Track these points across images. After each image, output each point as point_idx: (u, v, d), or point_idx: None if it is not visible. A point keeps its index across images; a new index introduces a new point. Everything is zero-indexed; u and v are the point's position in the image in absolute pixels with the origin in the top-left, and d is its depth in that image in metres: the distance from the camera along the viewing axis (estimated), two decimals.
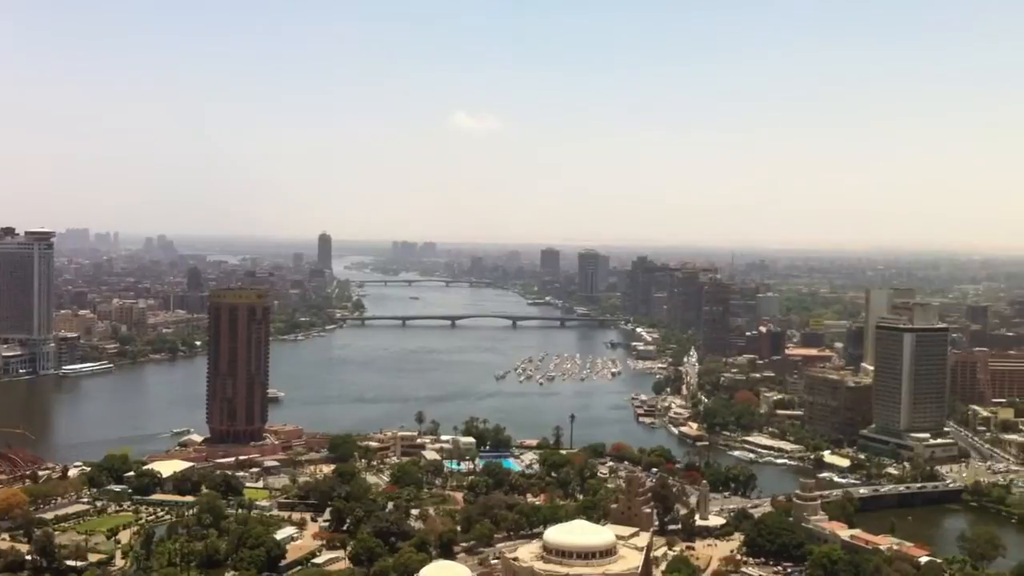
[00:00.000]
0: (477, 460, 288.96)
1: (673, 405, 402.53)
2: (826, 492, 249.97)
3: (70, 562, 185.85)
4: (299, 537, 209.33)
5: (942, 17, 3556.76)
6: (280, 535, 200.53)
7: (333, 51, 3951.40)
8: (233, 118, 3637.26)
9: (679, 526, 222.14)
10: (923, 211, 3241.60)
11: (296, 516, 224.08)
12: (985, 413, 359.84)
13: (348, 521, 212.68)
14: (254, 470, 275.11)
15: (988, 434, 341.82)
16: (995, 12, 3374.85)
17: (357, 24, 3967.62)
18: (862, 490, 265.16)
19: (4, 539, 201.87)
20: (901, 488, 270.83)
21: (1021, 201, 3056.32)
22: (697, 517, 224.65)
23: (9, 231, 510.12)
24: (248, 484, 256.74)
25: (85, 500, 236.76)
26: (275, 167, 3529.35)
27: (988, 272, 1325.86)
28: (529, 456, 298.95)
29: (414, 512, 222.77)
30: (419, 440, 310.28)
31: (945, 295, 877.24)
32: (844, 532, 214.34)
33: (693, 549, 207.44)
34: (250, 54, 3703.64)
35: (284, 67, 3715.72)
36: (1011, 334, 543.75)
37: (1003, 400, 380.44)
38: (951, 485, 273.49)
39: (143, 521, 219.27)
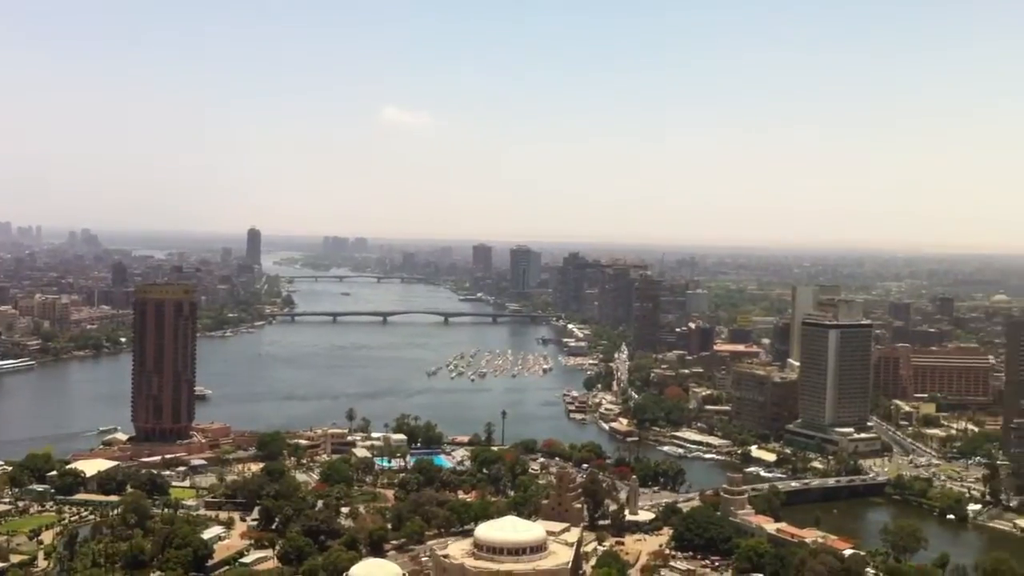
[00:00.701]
0: (408, 457, 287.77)
1: (604, 401, 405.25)
2: (753, 486, 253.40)
3: None
4: (227, 536, 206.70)
5: (874, 18, 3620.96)
6: (207, 535, 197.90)
7: (262, 44, 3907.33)
8: (159, 111, 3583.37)
9: (609, 521, 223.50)
10: (848, 210, 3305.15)
11: (224, 515, 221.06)
12: (907, 408, 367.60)
13: (277, 520, 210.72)
14: (180, 469, 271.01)
15: (910, 428, 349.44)
16: (910, 14, 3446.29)
17: (286, 16, 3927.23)
18: (789, 484, 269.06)
19: None
20: (826, 482, 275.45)
21: (943, 200, 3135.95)
22: (627, 512, 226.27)
23: None
24: (174, 483, 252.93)
25: (7, 500, 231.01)
26: (202, 160, 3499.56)
27: (911, 270, 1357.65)
28: (460, 453, 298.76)
29: (344, 510, 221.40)
30: (349, 437, 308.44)
31: (869, 292, 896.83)
32: (770, 526, 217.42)
33: (623, 544, 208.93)
34: (176, 47, 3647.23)
35: (211, 60, 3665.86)
36: (933, 330, 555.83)
37: (925, 395, 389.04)
38: (876, 479, 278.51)
39: (66, 521, 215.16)
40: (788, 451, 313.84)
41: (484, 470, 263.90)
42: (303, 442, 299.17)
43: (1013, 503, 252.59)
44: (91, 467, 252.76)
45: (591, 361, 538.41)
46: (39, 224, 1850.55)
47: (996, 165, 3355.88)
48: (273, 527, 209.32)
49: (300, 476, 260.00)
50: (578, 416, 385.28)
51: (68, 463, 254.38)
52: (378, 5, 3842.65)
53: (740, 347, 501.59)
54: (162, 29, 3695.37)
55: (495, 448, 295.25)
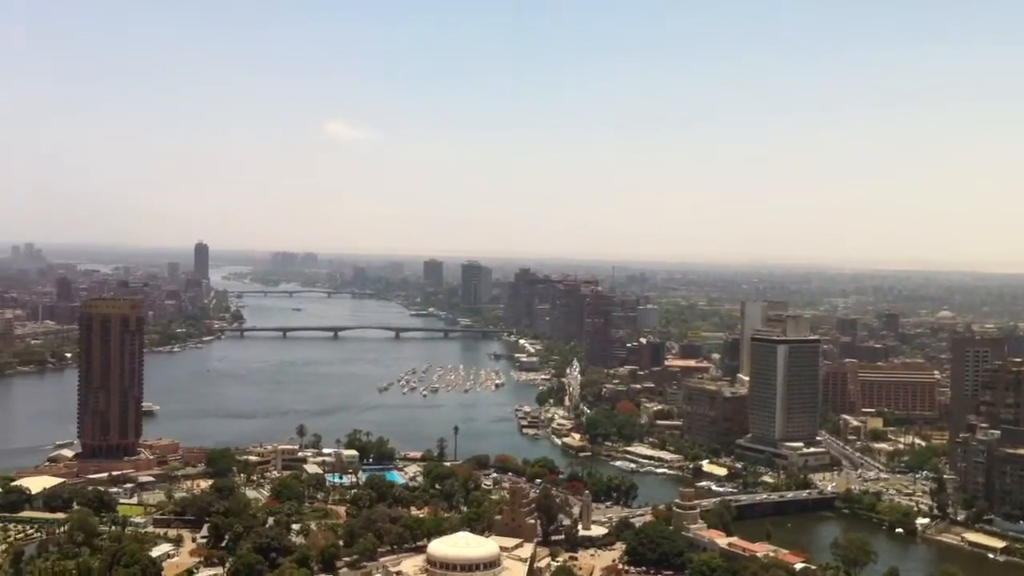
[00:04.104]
0: (360, 473, 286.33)
1: (556, 416, 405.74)
2: (705, 501, 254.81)
3: None
4: (176, 554, 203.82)
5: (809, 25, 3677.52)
6: (156, 552, 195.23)
7: (206, 56, 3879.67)
8: (104, 123, 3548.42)
9: (562, 536, 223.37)
10: (794, 227, 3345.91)
11: (172, 532, 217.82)
12: (855, 423, 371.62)
13: (227, 537, 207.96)
14: (128, 485, 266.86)
15: (859, 443, 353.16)
16: (866, 26, 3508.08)
17: (229, 28, 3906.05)
18: (740, 498, 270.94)
19: None
20: (776, 496, 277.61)
21: (887, 217, 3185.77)
22: (580, 527, 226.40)
23: None
24: (122, 500, 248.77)
25: None
26: (148, 174, 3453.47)
27: (857, 286, 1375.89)
28: (413, 469, 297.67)
29: (295, 527, 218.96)
30: (300, 454, 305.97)
31: (816, 308, 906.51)
32: (722, 540, 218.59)
33: (576, 559, 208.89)
34: (120, 57, 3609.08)
35: (155, 71, 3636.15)
36: (879, 346, 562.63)
37: (872, 410, 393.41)
38: (825, 492, 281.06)
39: (12, 539, 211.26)
40: (739, 465, 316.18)
41: (437, 486, 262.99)
42: (253, 458, 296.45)
43: (960, 517, 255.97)
44: (37, 484, 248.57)
45: (543, 376, 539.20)
46: None
47: (940, 184, 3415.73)
48: (223, 544, 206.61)
49: (250, 493, 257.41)
50: (530, 431, 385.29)
51: (13, 480, 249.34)
52: (321, 17, 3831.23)
53: (691, 362, 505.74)
54: (107, 39, 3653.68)
55: (448, 464, 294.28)
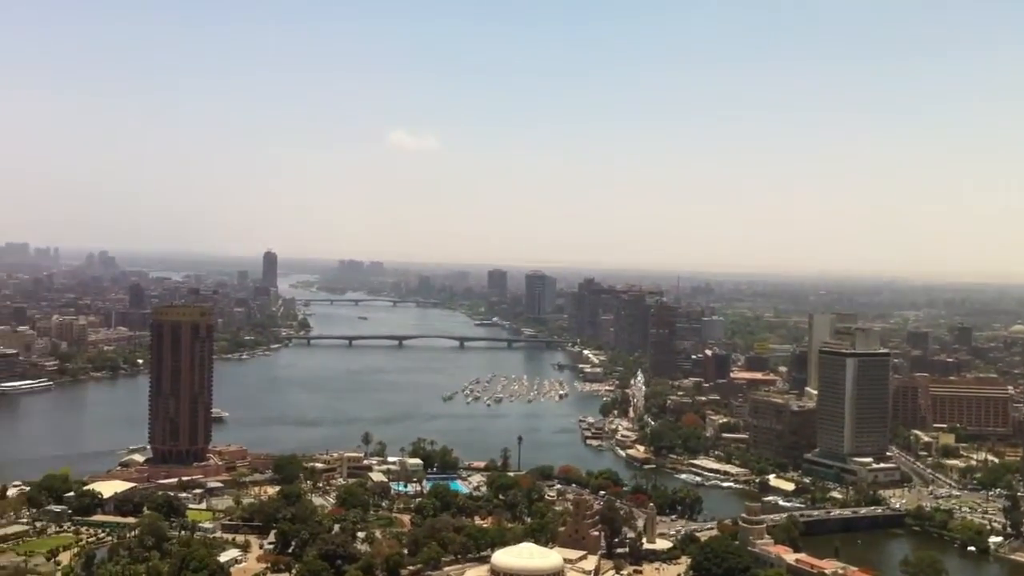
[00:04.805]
0: (424, 482, 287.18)
1: (620, 427, 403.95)
2: (771, 516, 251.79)
3: None
4: (243, 560, 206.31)
5: (894, 35, 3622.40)
6: (224, 558, 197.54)
7: (276, 67, 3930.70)
8: (176, 134, 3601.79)
9: (626, 549, 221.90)
10: (866, 238, 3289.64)
11: (240, 538, 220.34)
12: (927, 438, 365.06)
13: (293, 544, 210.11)
14: (197, 491, 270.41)
15: (930, 459, 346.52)
16: (948, 32, 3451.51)
17: (297, 44, 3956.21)
18: (810, 513, 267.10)
19: None
20: (845, 512, 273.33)
21: (961, 230, 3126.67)
22: (644, 540, 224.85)
23: None
24: (191, 505, 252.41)
25: (24, 521, 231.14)
26: (219, 183, 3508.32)
27: (928, 298, 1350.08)
28: (477, 478, 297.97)
29: (360, 535, 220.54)
30: (366, 461, 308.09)
31: (886, 321, 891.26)
32: (789, 556, 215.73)
33: (640, 572, 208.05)
34: (193, 74, 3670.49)
35: (223, 84, 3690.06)
36: (951, 360, 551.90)
37: (944, 425, 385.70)
38: (895, 509, 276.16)
39: (84, 542, 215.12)
40: (806, 480, 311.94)
41: (500, 496, 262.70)
42: (319, 465, 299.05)
43: None
44: (108, 488, 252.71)
45: (607, 387, 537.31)
46: (57, 245, 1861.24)
47: (1017, 195, 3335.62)
48: (289, 551, 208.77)
49: (316, 500, 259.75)
50: (594, 442, 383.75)
51: (86, 484, 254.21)
52: (381, 33, 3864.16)
53: (757, 375, 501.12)
54: (178, 55, 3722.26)
55: (511, 474, 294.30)
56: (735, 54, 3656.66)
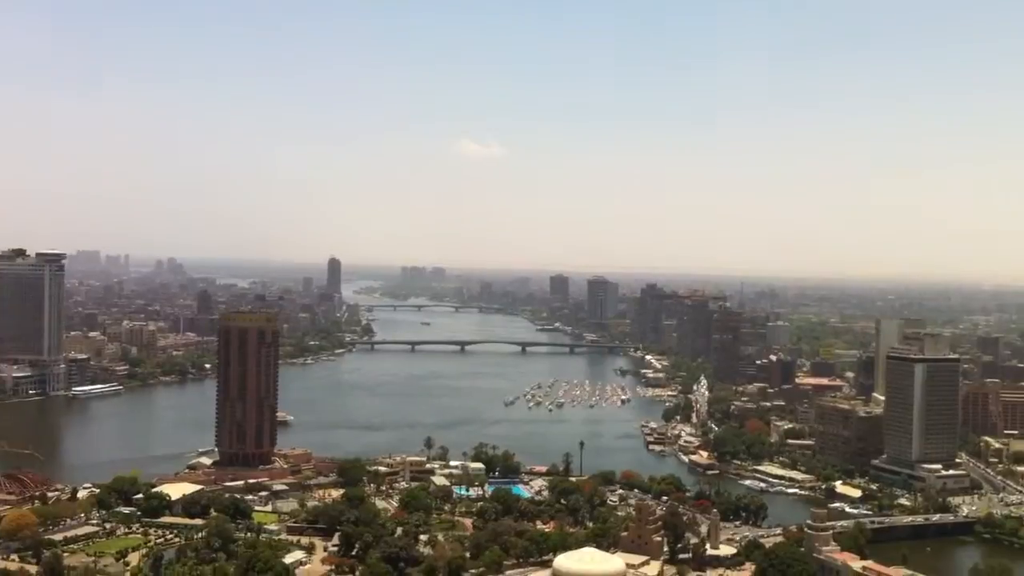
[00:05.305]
0: (486, 486, 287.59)
1: (683, 433, 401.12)
2: (838, 523, 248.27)
3: None
4: (308, 562, 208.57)
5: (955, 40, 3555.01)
6: (289, 559, 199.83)
7: (341, 73, 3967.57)
8: (243, 142, 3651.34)
9: (689, 555, 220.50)
10: (933, 241, 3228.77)
11: (305, 540, 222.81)
12: (997, 445, 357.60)
13: (357, 546, 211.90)
14: (263, 493, 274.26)
15: (1000, 466, 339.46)
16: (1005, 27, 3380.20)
17: (364, 51, 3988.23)
18: (880, 520, 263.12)
19: (13, 560, 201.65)
20: (913, 519, 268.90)
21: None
22: (708, 546, 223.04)
23: (20, 253, 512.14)
24: (257, 508, 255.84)
25: (94, 522, 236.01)
26: (285, 190, 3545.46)
27: (998, 303, 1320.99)
28: (538, 483, 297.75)
29: (423, 538, 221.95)
30: (428, 465, 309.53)
31: (956, 326, 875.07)
32: (856, 563, 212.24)
33: None
34: (256, 82, 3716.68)
35: (291, 92, 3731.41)
36: (1022, 366, 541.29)
37: (1015, 432, 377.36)
38: (965, 517, 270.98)
39: (152, 544, 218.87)
40: (873, 487, 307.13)
41: (562, 500, 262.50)
42: (383, 469, 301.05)
43: None
44: (176, 490, 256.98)
45: (669, 392, 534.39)
46: (127, 253, 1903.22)
47: None
48: (353, 553, 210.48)
49: (380, 503, 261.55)
50: (657, 448, 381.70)
51: (154, 486, 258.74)
52: (444, 45, 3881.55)
53: (823, 380, 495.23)
54: (245, 65, 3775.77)
55: (573, 479, 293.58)
56: (821, 47, 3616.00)
